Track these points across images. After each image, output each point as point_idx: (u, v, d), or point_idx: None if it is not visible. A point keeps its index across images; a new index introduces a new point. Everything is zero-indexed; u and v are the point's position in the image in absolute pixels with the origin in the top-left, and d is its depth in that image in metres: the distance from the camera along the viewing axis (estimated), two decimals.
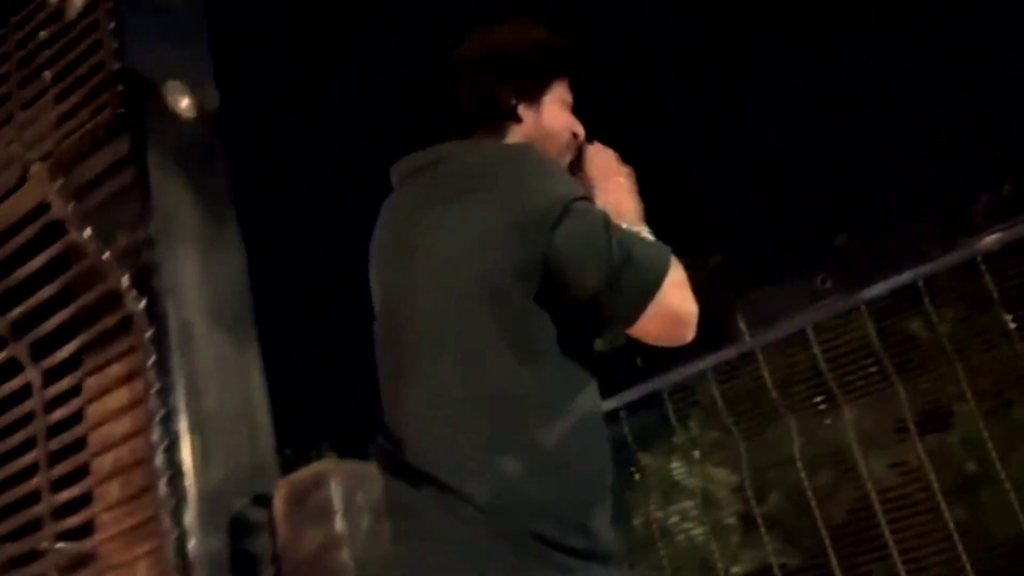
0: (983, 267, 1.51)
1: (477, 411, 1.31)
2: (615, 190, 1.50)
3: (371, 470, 0.62)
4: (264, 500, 0.66)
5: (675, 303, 1.29)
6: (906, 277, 1.55)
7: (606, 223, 1.36)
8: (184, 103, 0.72)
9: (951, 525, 1.58)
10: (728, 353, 1.70)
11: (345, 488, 0.61)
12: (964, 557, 1.56)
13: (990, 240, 1.49)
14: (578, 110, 1.62)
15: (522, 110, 1.60)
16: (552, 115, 1.60)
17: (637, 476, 1.99)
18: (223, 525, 0.61)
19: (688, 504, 1.93)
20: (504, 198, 1.36)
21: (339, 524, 0.59)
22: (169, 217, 0.67)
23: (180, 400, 0.62)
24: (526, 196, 1.36)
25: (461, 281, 1.38)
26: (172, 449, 0.61)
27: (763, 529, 1.92)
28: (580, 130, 1.61)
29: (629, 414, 1.84)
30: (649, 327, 1.31)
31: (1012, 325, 1.53)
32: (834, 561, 1.68)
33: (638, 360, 1.69)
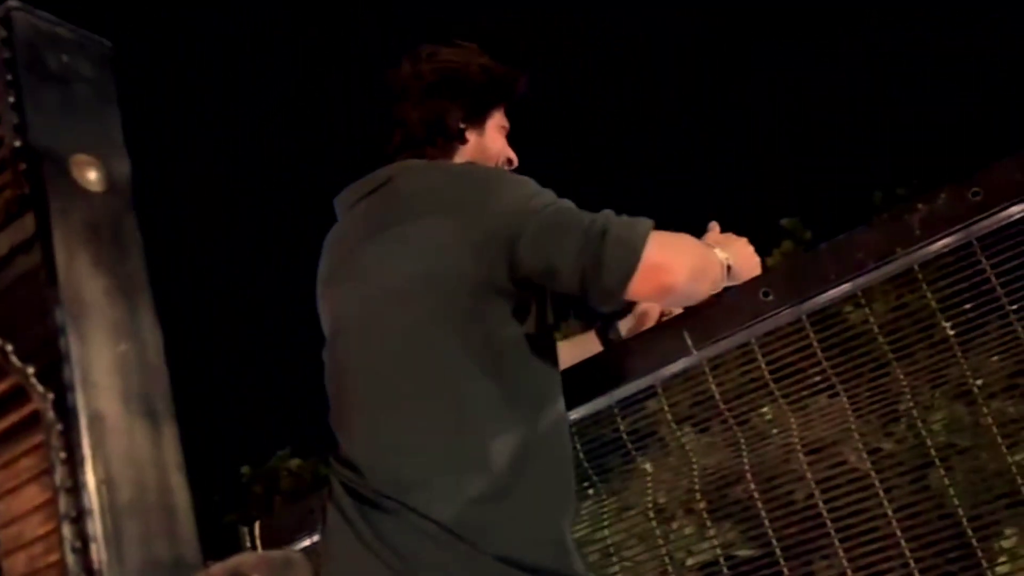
0: (919, 276, 1.54)
1: (442, 433, 1.30)
2: (742, 249, 1.52)
3: (295, 557, 0.60)
4: None
5: (656, 255, 1.32)
6: (845, 289, 1.57)
7: (570, 210, 1.36)
8: (92, 176, 0.69)
9: (901, 535, 1.60)
10: (675, 367, 1.71)
11: None
12: (913, 534, 1.59)
13: (927, 251, 1.52)
14: (513, 134, 1.61)
15: (468, 133, 1.60)
16: (492, 138, 1.59)
17: (591, 491, 1.99)
18: None
19: (640, 518, 1.94)
20: (463, 218, 1.35)
21: None
22: (78, 302, 0.65)
23: (92, 497, 0.60)
24: (485, 214, 1.35)
25: (422, 302, 1.37)
26: (85, 549, 0.59)
27: (712, 533, 1.94)
28: (514, 157, 1.61)
29: (579, 431, 1.84)
30: (640, 286, 1.35)
31: (951, 332, 1.55)
32: (791, 546, 1.71)
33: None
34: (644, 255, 1.24)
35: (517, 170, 1.58)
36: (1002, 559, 2.07)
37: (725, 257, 1.45)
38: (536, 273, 1.26)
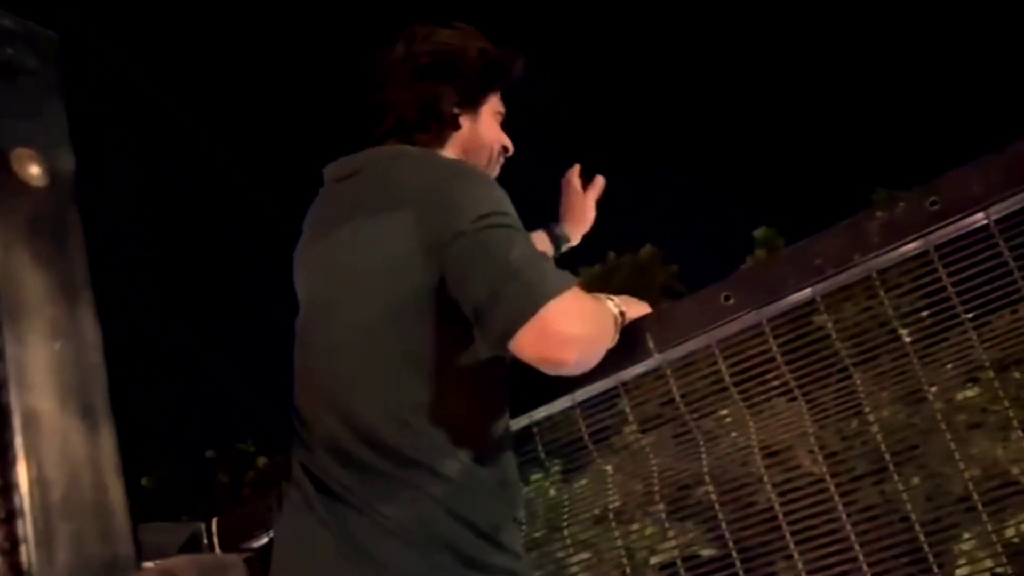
0: (878, 283, 1.55)
1: (398, 432, 1.30)
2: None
3: (230, 561, 0.60)
4: None
5: (556, 321, 1.26)
6: (805, 294, 1.58)
7: (504, 239, 1.33)
8: (34, 171, 0.68)
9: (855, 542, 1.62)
10: (636, 369, 1.71)
11: None
12: (874, 539, 1.61)
13: (885, 258, 1.53)
14: (509, 122, 1.58)
15: (462, 118, 1.56)
16: (487, 125, 1.56)
17: (552, 492, 1.99)
18: None
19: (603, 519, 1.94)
20: (425, 217, 1.33)
21: None
22: (15, 299, 0.64)
23: (24, 498, 0.60)
24: (444, 215, 1.34)
25: (379, 295, 1.36)
26: (14, 551, 0.58)
27: (673, 534, 1.95)
28: (509, 144, 1.58)
29: (542, 432, 1.84)
30: (526, 343, 1.29)
31: (908, 339, 1.57)
32: (752, 547, 1.72)
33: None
34: (541, 313, 1.17)
35: (513, 158, 1.56)
36: (961, 562, 2.09)
37: (617, 308, 1.42)
38: (451, 292, 1.25)
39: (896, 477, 1.72)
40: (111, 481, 0.61)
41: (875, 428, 1.88)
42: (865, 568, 1.62)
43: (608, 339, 1.35)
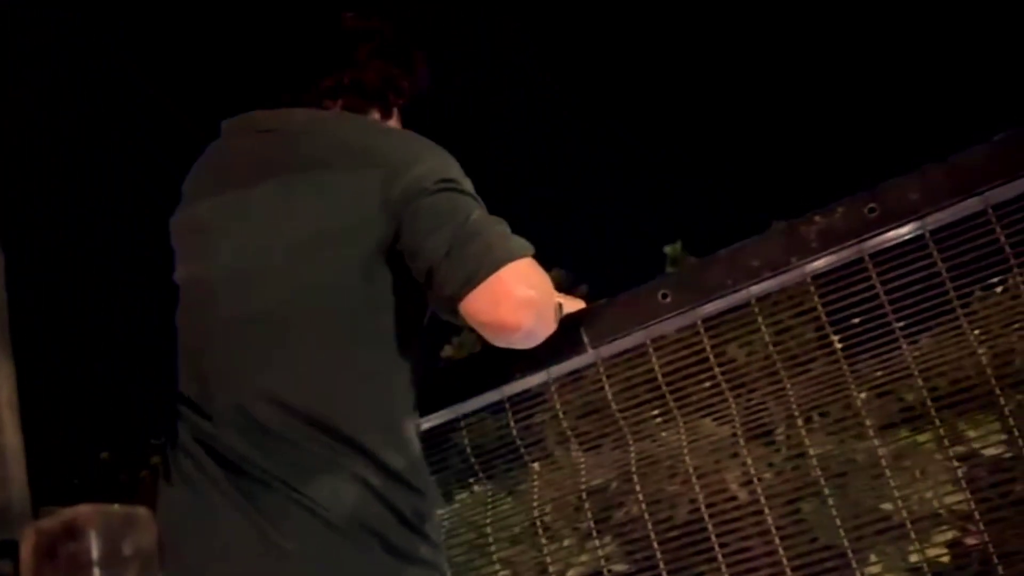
0: (812, 288, 1.56)
1: (333, 411, 1.23)
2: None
3: (142, 514, 0.54)
4: (10, 548, 0.57)
5: (511, 283, 1.23)
6: (741, 296, 1.58)
7: (472, 206, 1.30)
8: None
9: (773, 531, 1.62)
10: (569, 365, 1.69)
11: (106, 537, 0.52)
12: (785, 561, 1.61)
13: (820, 263, 1.54)
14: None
15: (403, 101, 1.54)
16: (397, 123, 1.54)
17: (475, 487, 1.95)
18: None
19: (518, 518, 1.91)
20: (391, 175, 1.28)
21: None
22: None
23: None
24: (409, 173, 1.29)
25: (331, 259, 1.29)
26: None
27: (595, 536, 1.93)
28: None
29: (468, 426, 1.80)
30: (480, 302, 1.25)
31: (839, 345, 1.58)
32: (662, 566, 1.70)
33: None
34: (500, 273, 1.16)
35: None
36: None
37: (559, 301, 1.42)
38: (405, 246, 1.22)
39: (814, 498, 1.74)
40: (7, 419, 0.55)
41: (798, 443, 1.89)
42: None
43: (552, 321, 1.32)
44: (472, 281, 1.18)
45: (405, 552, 1.16)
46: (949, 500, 2.13)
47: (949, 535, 2.31)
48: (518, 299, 1.19)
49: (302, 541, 1.09)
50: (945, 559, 2.15)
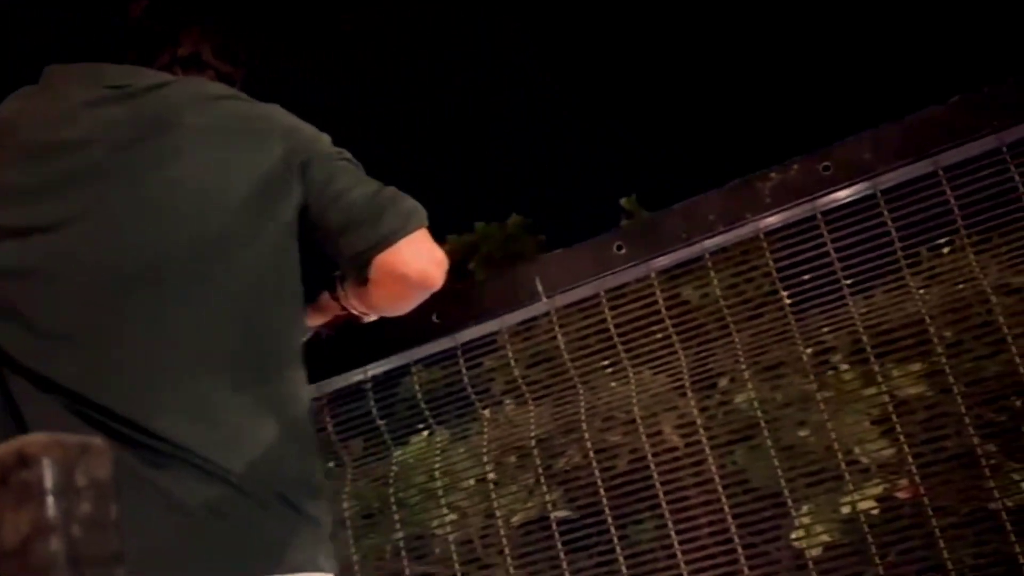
0: (764, 243, 1.58)
1: (230, 373, 1.21)
2: None
3: (97, 444, 0.53)
4: None
5: (432, 243, 1.29)
6: (695, 249, 1.59)
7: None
8: None
9: (716, 478, 1.66)
10: (523, 313, 1.69)
11: (60, 466, 0.51)
12: (726, 505, 1.65)
13: (774, 219, 1.56)
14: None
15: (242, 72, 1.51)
16: None
17: (427, 432, 1.97)
18: None
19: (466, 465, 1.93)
20: (287, 139, 1.27)
21: (50, 508, 0.50)
22: None
23: None
24: (303, 137, 1.29)
25: (224, 221, 1.26)
26: None
27: (543, 484, 1.96)
28: None
29: (418, 372, 1.80)
30: (411, 251, 1.29)
31: (788, 301, 1.60)
32: (609, 512, 1.74)
33: (434, 317, 1.66)
34: (421, 232, 1.23)
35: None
36: (798, 531, 2.19)
37: None
38: (313, 195, 1.20)
39: (752, 448, 1.78)
40: None
41: (740, 396, 1.93)
42: (710, 534, 1.66)
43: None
44: (409, 227, 1.23)
45: (305, 512, 1.15)
46: (880, 451, 2.20)
47: (880, 489, 2.39)
48: (439, 258, 1.28)
49: (204, 499, 1.07)
50: (875, 511, 2.23)
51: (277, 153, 1.21)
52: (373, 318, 1.48)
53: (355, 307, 1.42)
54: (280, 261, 1.21)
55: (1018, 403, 2.11)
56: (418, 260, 1.21)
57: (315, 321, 1.44)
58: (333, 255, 1.26)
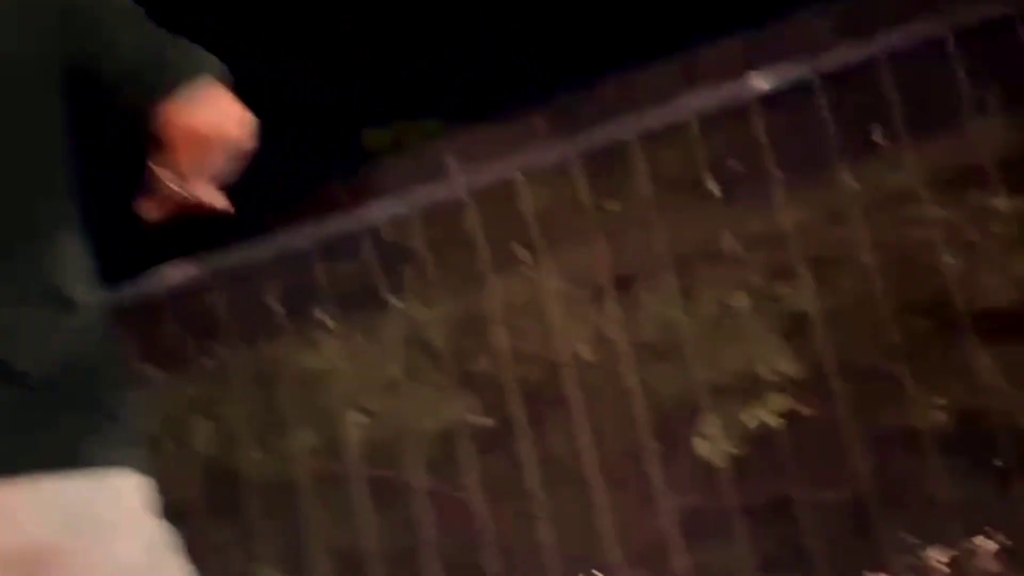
0: (696, 129, 1.49)
1: (32, 265, 1.07)
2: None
3: None
4: None
5: (231, 96, 1.13)
6: (625, 133, 1.49)
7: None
8: None
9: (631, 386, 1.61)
10: (435, 193, 1.58)
11: None
12: (637, 415, 1.62)
13: (702, 102, 1.46)
14: None
15: None
16: None
17: (331, 324, 1.86)
18: None
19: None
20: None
21: None
22: None
23: None
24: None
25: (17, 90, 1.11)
26: None
27: (452, 389, 1.89)
28: None
29: (325, 258, 1.68)
30: (212, 96, 1.13)
31: (717, 193, 1.53)
32: (522, 419, 1.67)
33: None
34: (219, 86, 1.06)
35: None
36: (702, 441, 2.18)
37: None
38: (89, 48, 1.06)
39: (664, 359, 1.72)
40: None
41: (650, 306, 1.87)
42: (618, 446, 1.62)
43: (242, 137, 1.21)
44: (210, 70, 1.06)
45: (121, 419, 1.05)
46: (782, 367, 2.19)
47: (782, 403, 2.38)
48: (236, 112, 1.10)
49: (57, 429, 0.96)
50: (776, 423, 2.23)
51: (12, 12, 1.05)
52: (211, 197, 1.32)
53: (172, 181, 1.27)
54: (33, 131, 1.05)
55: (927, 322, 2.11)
56: (221, 109, 1.04)
57: (155, 211, 1.30)
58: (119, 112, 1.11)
